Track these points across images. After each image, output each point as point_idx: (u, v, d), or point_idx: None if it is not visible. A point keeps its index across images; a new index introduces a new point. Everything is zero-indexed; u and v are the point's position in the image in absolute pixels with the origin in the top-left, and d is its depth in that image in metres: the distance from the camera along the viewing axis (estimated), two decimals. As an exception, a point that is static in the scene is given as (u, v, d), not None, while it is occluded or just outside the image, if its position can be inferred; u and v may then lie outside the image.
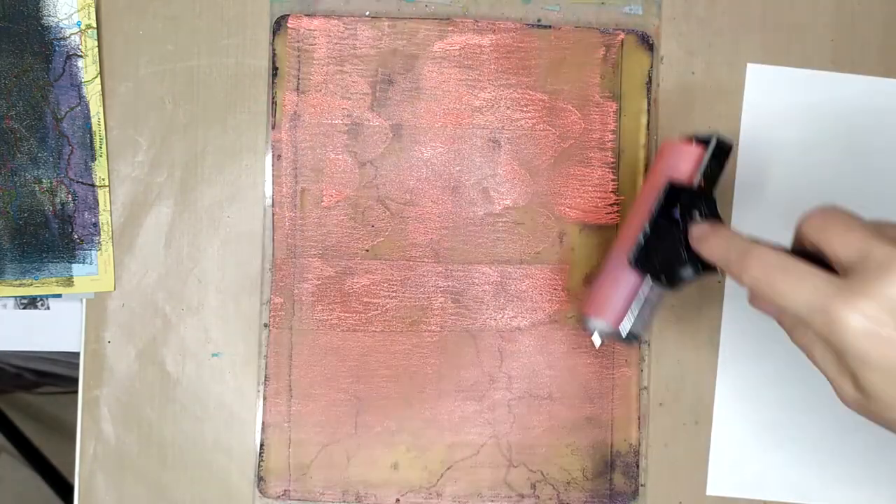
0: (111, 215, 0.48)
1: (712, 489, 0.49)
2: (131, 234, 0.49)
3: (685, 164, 0.42)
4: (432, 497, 0.48)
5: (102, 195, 0.48)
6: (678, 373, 0.49)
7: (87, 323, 0.49)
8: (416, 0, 0.49)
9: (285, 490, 0.48)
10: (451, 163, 0.49)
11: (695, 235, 0.40)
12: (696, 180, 0.42)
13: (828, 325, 0.33)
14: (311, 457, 0.48)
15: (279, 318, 0.48)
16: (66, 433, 1.12)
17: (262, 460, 0.48)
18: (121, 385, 0.49)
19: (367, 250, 0.48)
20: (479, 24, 0.48)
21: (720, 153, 0.42)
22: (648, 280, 0.42)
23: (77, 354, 0.49)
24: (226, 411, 0.49)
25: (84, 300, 0.49)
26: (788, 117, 0.49)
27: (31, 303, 0.49)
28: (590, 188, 0.49)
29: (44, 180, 0.48)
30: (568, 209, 0.49)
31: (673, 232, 0.41)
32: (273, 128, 0.48)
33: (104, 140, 0.48)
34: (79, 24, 0.47)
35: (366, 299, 0.48)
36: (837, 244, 0.34)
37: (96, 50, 0.48)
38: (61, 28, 0.47)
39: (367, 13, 0.48)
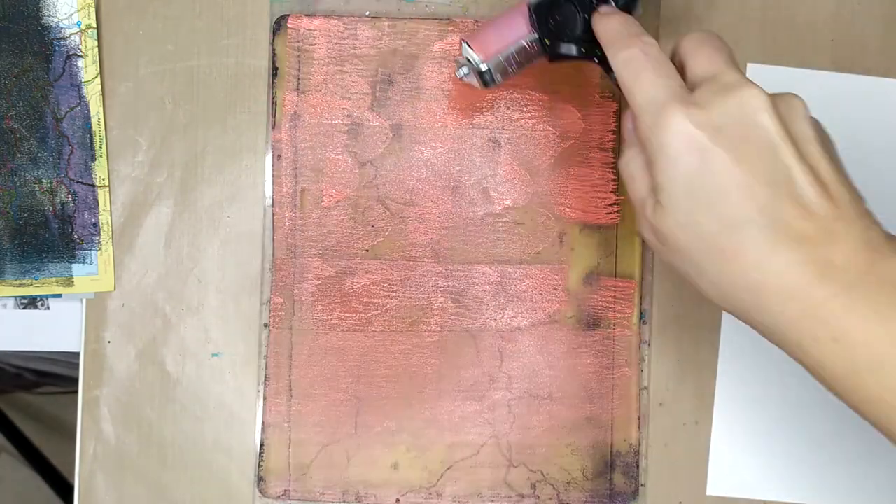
0: (111, 215, 0.48)
1: (712, 489, 0.49)
2: (131, 234, 0.49)
3: None
4: (432, 497, 0.48)
5: (102, 195, 0.48)
6: (678, 373, 0.49)
7: (87, 323, 0.49)
8: (416, 0, 0.49)
9: (285, 490, 0.48)
10: (451, 163, 0.49)
11: (601, 11, 0.40)
12: None
13: (655, 122, 0.34)
14: (311, 457, 0.48)
15: (279, 318, 0.48)
16: (66, 433, 1.12)
17: (262, 460, 0.48)
18: (121, 385, 0.49)
19: (367, 250, 0.48)
20: (479, 24, 0.48)
21: None
22: (534, 35, 0.42)
23: (77, 354, 0.49)
24: (226, 411, 0.49)
25: (84, 300, 0.49)
26: (788, 117, 0.49)
27: (31, 303, 0.49)
28: (590, 188, 0.49)
29: (44, 180, 0.48)
30: (568, 209, 0.49)
31: (582, 6, 0.41)
32: (273, 128, 0.48)
33: (104, 140, 0.48)
34: (79, 24, 0.47)
35: (366, 299, 0.48)
36: (699, 61, 0.36)
37: (96, 50, 0.48)
38: (61, 28, 0.47)
39: (367, 13, 0.48)
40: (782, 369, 0.49)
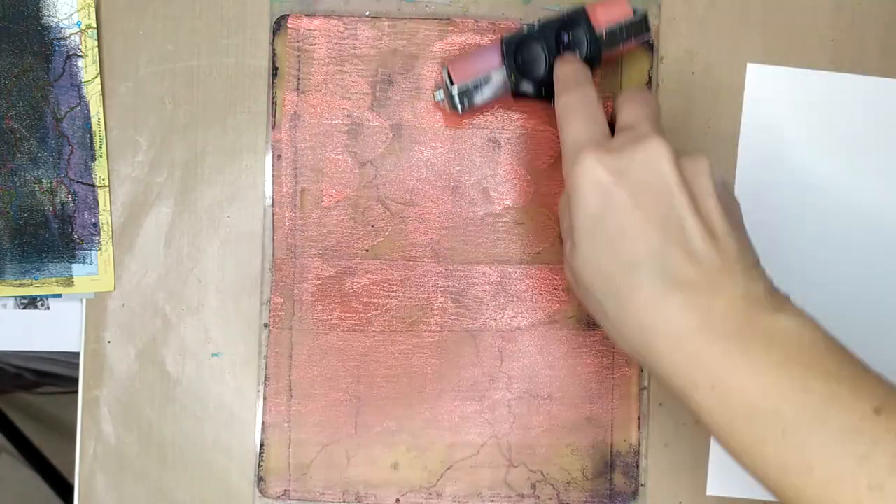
0: (111, 215, 0.48)
1: (712, 489, 0.49)
2: (131, 234, 0.49)
3: (609, 13, 0.45)
4: (432, 497, 0.48)
5: (102, 195, 0.48)
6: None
7: (87, 323, 0.49)
8: (416, 0, 0.49)
9: (285, 490, 0.48)
10: (451, 163, 0.49)
11: (563, 57, 0.44)
12: (603, 29, 0.44)
13: (573, 162, 0.38)
14: (311, 457, 0.48)
15: (279, 318, 0.48)
16: (66, 433, 1.12)
17: (262, 460, 0.48)
18: (121, 385, 0.49)
19: (367, 250, 0.48)
20: (480, 24, 0.48)
21: (637, 29, 0.45)
22: (503, 70, 0.44)
23: (77, 354, 0.49)
24: (226, 411, 0.49)
25: (84, 300, 0.49)
26: (788, 117, 0.49)
27: (31, 303, 0.49)
28: (590, 188, 0.49)
29: (44, 180, 0.48)
30: (568, 209, 0.49)
31: (549, 46, 0.44)
32: (273, 128, 0.48)
33: (104, 140, 0.48)
34: (79, 24, 0.47)
35: (366, 299, 0.48)
36: (624, 113, 0.40)
37: (96, 50, 0.48)
38: (61, 28, 0.47)
39: (367, 13, 0.48)
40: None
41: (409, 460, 0.48)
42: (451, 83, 0.45)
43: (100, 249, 0.48)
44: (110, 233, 0.48)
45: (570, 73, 0.42)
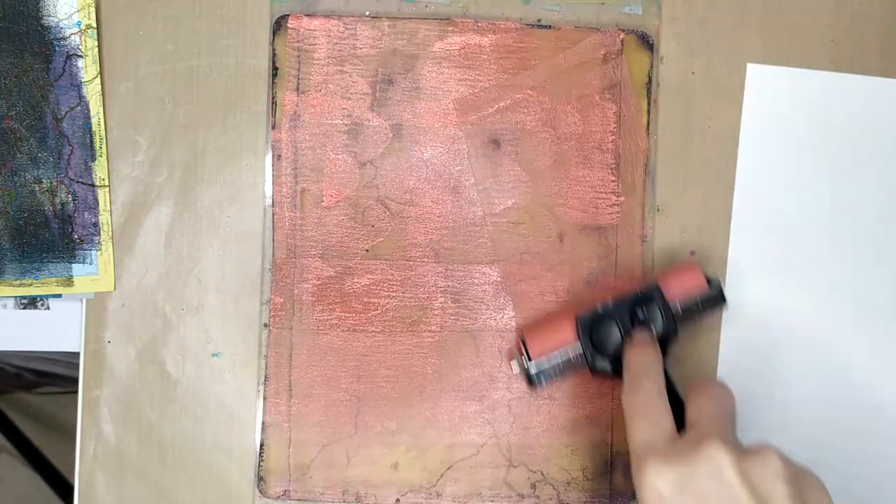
0: (111, 215, 0.48)
1: (712, 489, 0.49)
2: (131, 234, 0.49)
3: (683, 285, 0.45)
4: (432, 497, 0.48)
5: (102, 195, 0.48)
6: (678, 373, 0.49)
7: (87, 323, 0.49)
8: (416, 0, 0.49)
9: (285, 490, 0.48)
10: (451, 163, 0.49)
11: (634, 336, 0.43)
12: (679, 305, 0.44)
13: (637, 468, 0.37)
14: (311, 457, 0.48)
15: (279, 318, 0.48)
16: (66, 433, 1.12)
17: (262, 460, 0.48)
18: (121, 385, 0.49)
19: (367, 250, 0.48)
20: (480, 24, 0.48)
21: (713, 302, 0.45)
22: (579, 346, 0.44)
23: (77, 354, 0.49)
24: (226, 411, 0.49)
25: (84, 300, 0.49)
26: (788, 117, 0.49)
27: (31, 303, 0.49)
28: (589, 189, 0.49)
29: (44, 180, 0.48)
30: (568, 209, 0.49)
31: (624, 322, 0.43)
32: (273, 128, 0.48)
33: (104, 140, 0.48)
34: (79, 24, 0.47)
35: (366, 299, 0.48)
36: (692, 407, 0.40)
37: (96, 50, 0.48)
38: (61, 28, 0.47)
39: (367, 13, 0.48)
40: (782, 370, 0.49)
41: (409, 460, 0.48)
42: (529, 359, 0.44)
43: (100, 249, 0.48)
44: (110, 233, 0.48)
45: (637, 362, 0.42)
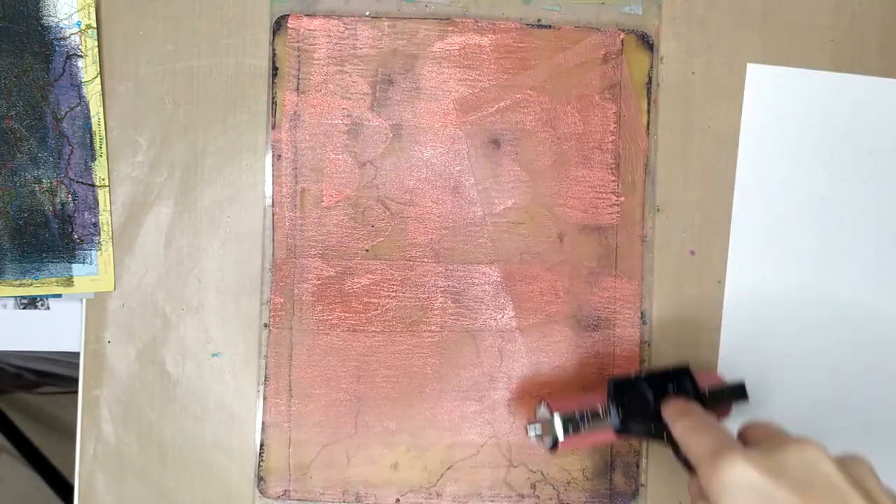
0: (111, 215, 0.48)
1: (712, 489, 0.49)
2: (131, 234, 0.49)
3: (710, 378, 0.46)
4: (432, 497, 0.48)
5: (102, 195, 0.48)
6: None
7: (87, 323, 0.49)
8: (416, 0, 0.49)
9: (285, 490, 0.48)
10: (451, 163, 0.49)
11: (672, 397, 0.44)
12: (706, 389, 0.45)
13: (713, 465, 0.35)
14: (311, 457, 0.48)
15: (279, 318, 0.48)
16: (66, 433, 1.12)
17: (262, 460, 0.48)
18: (121, 385, 0.49)
19: (367, 250, 0.48)
20: (480, 24, 0.48)
21: (738, 394, 0.46)
22: (608, 405, 0.44)
23: (77, 354, 0.49)
24: (226, 411, 0.49)
25: (84, 300, 0.49)
26: (788, 117, 0.49)
27: (31, 303, 0.49)
28: (589, 188, 0.49)
29: (44, 180, 0.48)
30: (568, 209, 0.49)
31: (655, 391, 0.44)
32: (273, 128, 0.48)
33: (104, 140, 0.48)
34: (79, 24, 0.47)
35: (366, 299, 0.48)
36: (755, 431, 0.40)
37: (96, 50, 0.48)
38: (61, 28, 0.47)
39: (367, 13, 0.48)
40: (781, 370, 0.49)
41: (409, 460, 0.48)
42: (552, 413, 0.44)
43: (100, 249, 0.48)
44: (110, 233, 0.48)
45: (682, 404, 0.42)
